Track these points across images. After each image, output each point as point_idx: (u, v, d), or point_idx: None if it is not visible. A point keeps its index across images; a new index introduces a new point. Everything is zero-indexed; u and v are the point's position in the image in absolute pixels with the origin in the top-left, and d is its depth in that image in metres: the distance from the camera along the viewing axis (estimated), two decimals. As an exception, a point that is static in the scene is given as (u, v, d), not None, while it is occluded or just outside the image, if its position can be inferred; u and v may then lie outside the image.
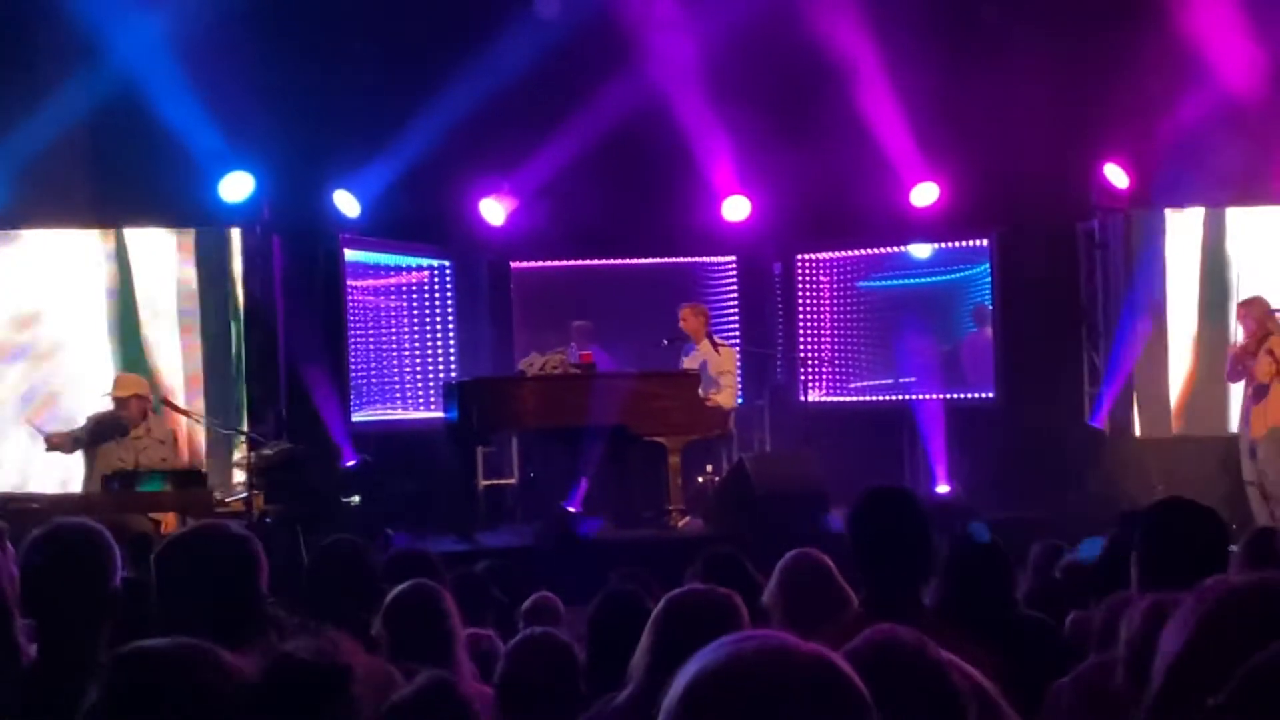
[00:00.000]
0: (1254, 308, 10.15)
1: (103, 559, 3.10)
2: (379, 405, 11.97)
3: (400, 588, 3.86)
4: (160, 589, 3.10)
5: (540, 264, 12.87)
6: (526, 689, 3.53)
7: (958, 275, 12.46)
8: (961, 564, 4.08)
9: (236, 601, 3.08)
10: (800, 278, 12.91)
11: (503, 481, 12.03)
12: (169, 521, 8.59)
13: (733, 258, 13.00)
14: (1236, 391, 10.44)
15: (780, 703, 1.33)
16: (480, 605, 5.18)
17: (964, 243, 12.34)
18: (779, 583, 4.24)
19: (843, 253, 12.86)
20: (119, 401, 9.24)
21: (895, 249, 12.67)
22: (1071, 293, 11.93)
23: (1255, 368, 9.86)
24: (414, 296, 12.41)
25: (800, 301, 12.88)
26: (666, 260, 12.92)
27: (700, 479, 11.26)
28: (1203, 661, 1.39)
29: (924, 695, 1.31)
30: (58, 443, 9.56)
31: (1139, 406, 11.53)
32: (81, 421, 9.46)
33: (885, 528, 3.54)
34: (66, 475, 9.90)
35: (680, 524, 10.30)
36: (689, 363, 10.94)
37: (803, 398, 11.49)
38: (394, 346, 12.25)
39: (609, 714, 3.12)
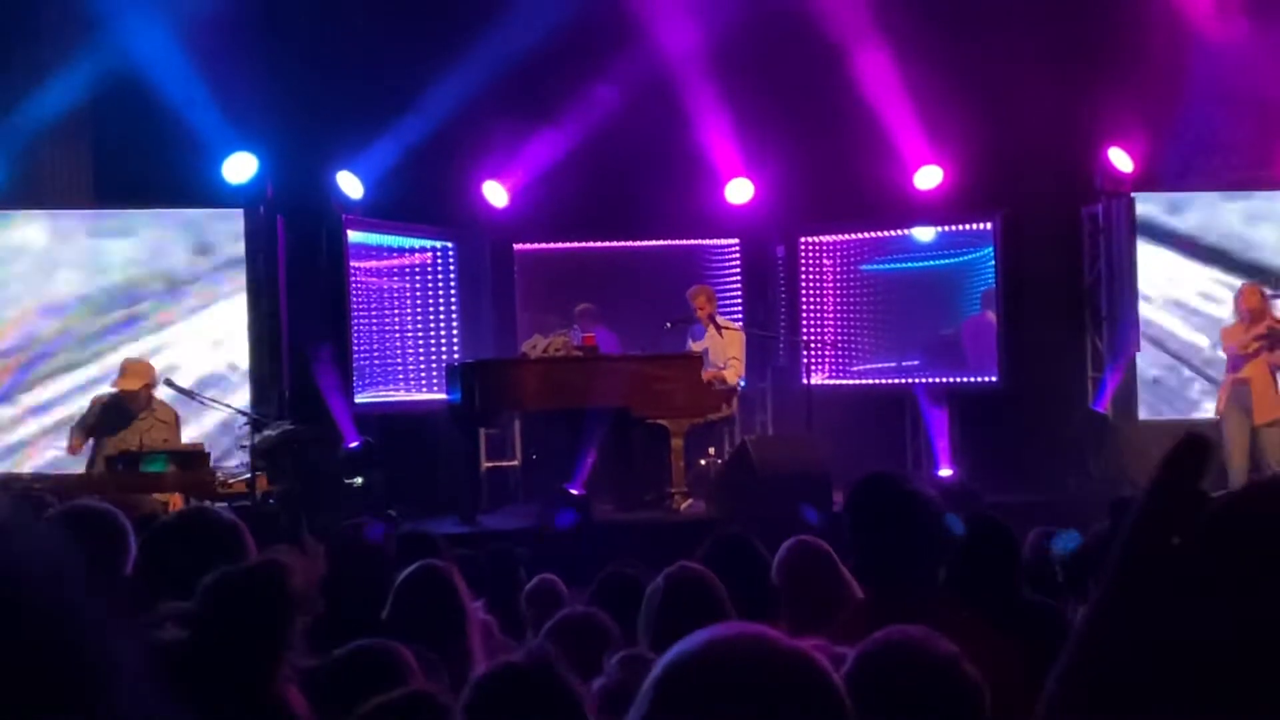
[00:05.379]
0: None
1: (118, 544, 3.06)
2: (382, 387, 11.96)
3: (410, 569, 3.84)
4: (145, 573, 3.05)
5: (543, 246, 12.84)
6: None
7: (961, 259, 12.42)
8: (967, 546, 4.07)
9: None
10: (803, 260, 12.86)
11: (505, 463, 12.04)
12: (176, 502, 8.57)
13: (736, 240, 12.95)
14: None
15: (753, 696, 1.31)
16: (480, 589, 5.17)
17: (968, 226, 12.31)
18: (779, 573, 4.26)
19: (846, 236, 12.81)
20: (129, 393, 9.19)
21: (899, 232, 12.63)
22: (1075, 277, 11.91)
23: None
24: (417, 278, 12.38)
25: (803, 284, 12.83)
26: (670, 243, 12.87)
27: (703, 461, 11.24)
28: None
29: (940, 692, 1.28)
30: (78, 449, 9.45)
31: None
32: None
33: (885, 514, 3.48)
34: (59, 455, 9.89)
35: (682, 507, 10.29)
36: (698, 347, 10.93)
37: (805, 381, 11.45)
38: (397, 328, 12.23)
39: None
